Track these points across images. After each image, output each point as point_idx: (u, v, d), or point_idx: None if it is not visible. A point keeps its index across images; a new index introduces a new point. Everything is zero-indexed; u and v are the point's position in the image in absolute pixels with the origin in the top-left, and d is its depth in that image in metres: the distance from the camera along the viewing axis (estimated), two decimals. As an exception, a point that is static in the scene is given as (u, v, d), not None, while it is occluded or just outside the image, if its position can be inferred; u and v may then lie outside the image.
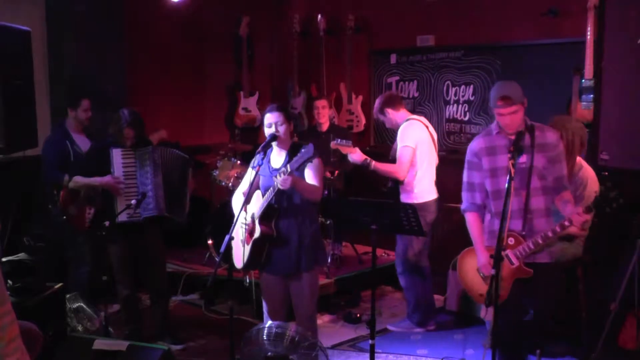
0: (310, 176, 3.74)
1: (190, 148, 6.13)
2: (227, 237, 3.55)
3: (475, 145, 3.76)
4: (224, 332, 4.69)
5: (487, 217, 3.77)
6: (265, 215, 3.75)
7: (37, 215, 5.37)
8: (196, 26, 7.02)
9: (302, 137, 6.14)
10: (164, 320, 4.85)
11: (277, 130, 3.76)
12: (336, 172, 5.64)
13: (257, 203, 3.78)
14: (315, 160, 3.72)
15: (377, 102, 5.11)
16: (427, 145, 4.96)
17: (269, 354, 3.30)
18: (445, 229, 6.13)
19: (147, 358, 3.78)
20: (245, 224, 3.84)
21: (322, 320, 5.29)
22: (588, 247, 4.21)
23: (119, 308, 4.91)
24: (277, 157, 3.88)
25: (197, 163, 6.16)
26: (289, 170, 3.54)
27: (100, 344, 3.86)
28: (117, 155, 4.51)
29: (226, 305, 5.27)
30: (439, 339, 4.97)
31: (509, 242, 3.58)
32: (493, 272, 3.35)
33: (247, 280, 5.15)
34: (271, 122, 3.77)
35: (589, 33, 4.90)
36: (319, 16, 6.93)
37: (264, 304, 4.03)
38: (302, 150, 3.52)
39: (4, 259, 4.31)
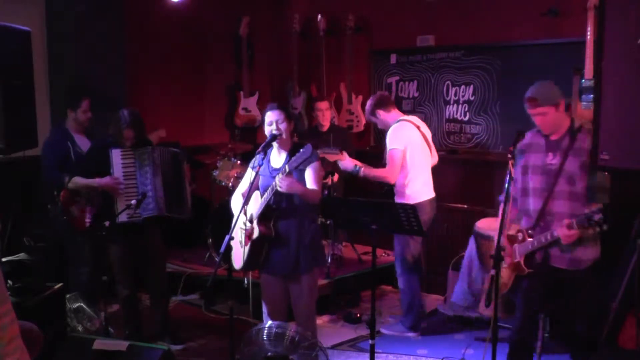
0: (309, 178, 3.74)
1: (190, 148, 6.14)
2: (227, 237, 3.55)
3: (523, 140, 3.75)
4: (224, 332, 4.69)
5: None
6: (264, 216, 3.75)
7: (37, 215, 5.36)
8: (196, 26, 7.02)
9: (302, 137, 6.13)
10: (164, 320, 4.85)
11: (277, 129, 3.75)
12: (336, 176, 5.61)
13: (256, 203, 3.78)
14: (316, 163, 3.73)
15: (368, 104, 5.07)
16: (418, 145, 4.93)
17: (269, 354, 3.30)
18: (445, 229, 6.13)
19: (147, 358, 3.78)
20: (245, 225, 3.84)
21: (322, 320, 5.29)
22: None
23: (119, 308, 4.91)
24: (277, 157, 3.88)
25: (197, 163, 6.17)
26: (287, 170, 3.54)
27: (100, 344, 3.86)
28: (116, 155, 4.50)
29: (226, 305, 5.26)
30: (439, 339, 4.97)
31: (518, 237, 3.64)
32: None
33: (246, 282, 5.15)
34: (272, 120, 3.77)
35: (589, 33, 4.90)
36: (319, 16, 6.92)
37: (264, 305, 4.03)
38: (301, 150, 3.52)
39: (4, 259, 4.30)
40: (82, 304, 4.93)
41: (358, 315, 5.36)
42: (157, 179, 4.55)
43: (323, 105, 6.12)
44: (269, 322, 3.54)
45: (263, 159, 3.82)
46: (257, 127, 7.13)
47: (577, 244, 3.51)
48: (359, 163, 4.91)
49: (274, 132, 3.76)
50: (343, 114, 7.00)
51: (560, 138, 3.61)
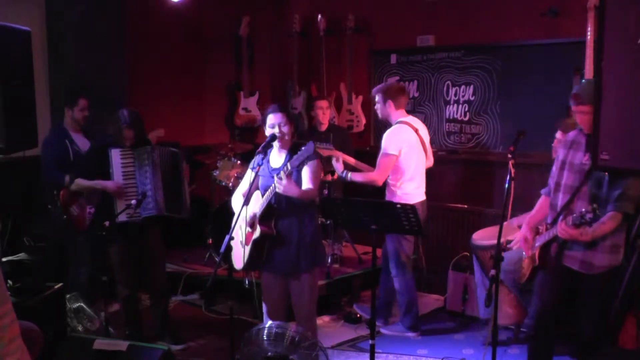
0: (306, 177, 3.73)
1: (190, 148, 6.14)
2: (227, 237, 3.55)
3: (567, 135, 3.75)
4: (224, 332, 4.69)
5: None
6: (265, 215, 3.75)
7: (37, 215, 5.36)
8: (196, 26, 7.02)
9: (301, 137, 6.15)
10: (164, 320, 4.85)
11: (281, 131, 3.76)
12: (336, 174, 5.61)
13: (257, 203, 3.78)
14: (314, 162, 3.72)
15: (386, 85, 5.04)
16: (414, 148, 4.90)
17: (269, 354, 3.30)
18: (445, 229, 6.14)
19: (147, 358, 3.78)
20: (245, 225, 3.84)
21: (322, 320, 5.29)
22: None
23: (119, 308, 4.91)
24: (277, 157, 3.88)
25: (197, 163, 6.17)
26: (289, 168, 3.54)
27: (100, 344, 3.86)
28: (116, 155, 4.50)
29: (226, 305, 5.27)
30: (439, 339, 4.97)
31: (540, 229, 3.69)
32: (512, 246, 3.38)
33: (247, 282, 5.15)
34: (274, 122, 3.77)
35: (589, 33, 4.90)
36: (319, 16, 6.93)
37: (264, 305, 4.03)
38: (302, 148, 3.52)
39: (4, 259, 4.31)
40: (82, 304, 4.94)
41: (358, 315, 5.36)
42: (156, 179, 4.55)
43: (323, 103, 6.12)
44: (269, 322, 3.53)
45: (263, 159, 3.82)
46: (257, 127, 7.13)
47: (587, 246, 3.48)
48: (346, 170, 4.89)
49: (276, 134, 3.76)
50: (343, 113, 7.00)
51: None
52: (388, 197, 4.91)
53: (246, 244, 3.84)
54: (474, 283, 5.01)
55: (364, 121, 6.89)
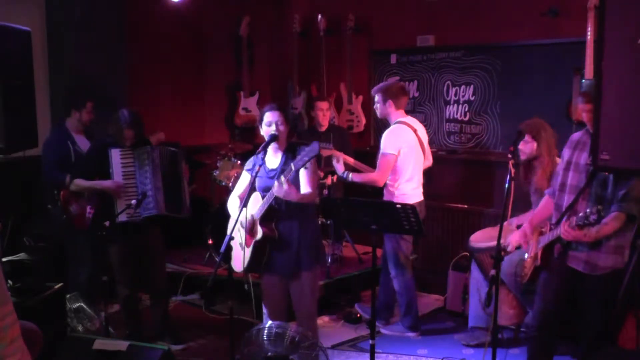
0: (304, 180, 3.73)
1: (190, 148, 6.14)
2: (227, 237, 3.54)
3: (572, 136, 3.74)
4: (224, 332, 4.69)
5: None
6: (266, 217, 3.74)
7: (37, 215, 5.36)
8: (196, 26, 7.02)
9: (301, 137, 6.15)
10: (164, 320, 4.85)
11: (277, 130, 3.75)
12: (336, 176, 5.61)
13: (256, 205, 3.77)
14: (311, 162, 3.71)
15: (387, 84, 5.03)
16: (413, 149, 4.89)
17: (269, 354, 3.30)
18: (445, 229, 6.14)
19: (147, 358, 3.78)
20: (244, 227, 3.82)
21: (322, 320, 5.29)
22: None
23: (119, 308, 4.91)
24: (273, 157, 3.87)
25: (197, 163, 6.17)
26: (293, 169, 3.54)
27: (100, 344, 3.86)
28: (116, 155, 4.50)
29: (226, 305, 5.26)
30: (439, 339, 4.97)
31: (543, 230, 3.69)
32: (508, 244, 3.37)
33: (247, 284, 5.14)
34: (271, 120, 3.77)
35: (589, 33, 4.91)
36: (319, 16, 6.93)
37: (264, 306, 4.02)
38: (306, 148, 3.51)
39: (4, 259, 4.30)
40: (82, 304, 4.94)
41: (358, 315, 5.36)
42: (156, 179, 4.55)
43: (323, 105, 6.12)
44: (269, 322, 3.53)
45: (263, 159, 3.82)
46: (257, 127, 7.11)
47: (592, 247, 3.47)
48: (347, 171, 4.89)
49: (274, 132, 3.76)
50: (343, 114, 7.00)
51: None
52: (386, 198, 4.91)
53: (246, 245, 3.84)
54: (470, 286, 5.00)
55: (364, 121, 6.90)
